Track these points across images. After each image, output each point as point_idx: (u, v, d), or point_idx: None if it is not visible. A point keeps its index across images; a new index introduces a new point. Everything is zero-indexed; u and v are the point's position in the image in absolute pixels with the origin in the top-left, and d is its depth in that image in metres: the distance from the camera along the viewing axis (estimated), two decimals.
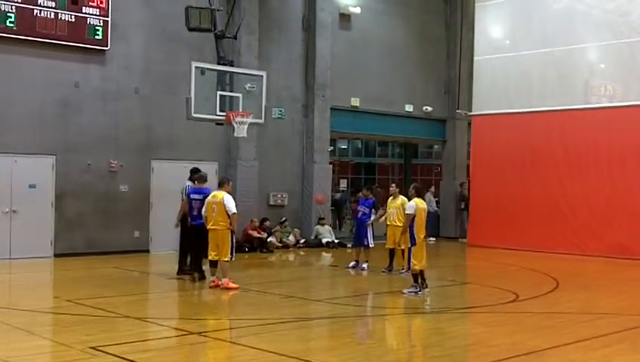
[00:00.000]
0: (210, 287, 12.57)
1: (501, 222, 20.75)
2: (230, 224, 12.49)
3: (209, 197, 12.81)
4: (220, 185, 12.96)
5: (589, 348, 8.66)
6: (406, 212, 12.42)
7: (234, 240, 12.72)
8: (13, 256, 16.07)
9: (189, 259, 13.78)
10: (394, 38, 23.68)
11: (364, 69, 22.75)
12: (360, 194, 16.30)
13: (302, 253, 19.59)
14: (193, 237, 13.42)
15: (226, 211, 12.42)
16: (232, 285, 12.41)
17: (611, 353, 8.42)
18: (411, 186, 12.95)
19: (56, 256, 16.64)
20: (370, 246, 15.57)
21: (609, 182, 18.94)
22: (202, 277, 13.33)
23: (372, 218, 15.52)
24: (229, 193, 12.73)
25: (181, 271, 13.84)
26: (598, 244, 18.77)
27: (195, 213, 13.28)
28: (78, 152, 17.12)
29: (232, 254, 12.57)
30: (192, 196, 13.42)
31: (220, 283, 12.49)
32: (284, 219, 20.34)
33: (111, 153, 17.58)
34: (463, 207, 24.01)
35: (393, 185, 15.88)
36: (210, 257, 12.66)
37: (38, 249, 16.39)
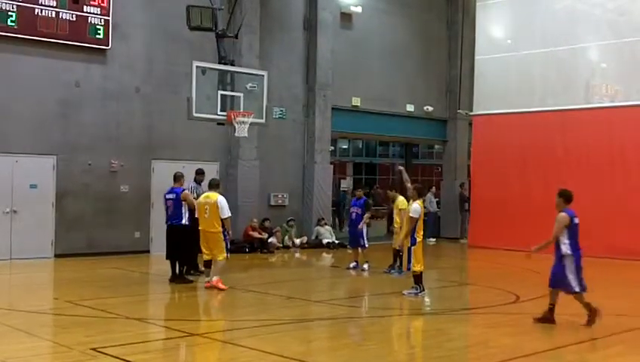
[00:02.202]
0: (206, 288, 12.53)
1: (502, 222, 20.72)
2: (223, 228, 12.44)
3: (201, 197, 12.81)
4: (214, 187, 12.84)
5: (590, 349, 8.68)
6: (410, 215, 12.18)
7: (227, 239, 12.64)
8: (13, 257, 16.07)
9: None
10: (395, 37, 23.67)
11: (366, 68, 22.74)
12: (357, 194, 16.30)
13: (302, 253, 19.58)
14: (169, 237, 13.44)
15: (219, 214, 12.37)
16: (221, 286, 12.34)
17: (611, 354, 8.44)
18: (412, 187, 12.86)
19: (56, 256, 16.65)
20: (366, 246, 15.59)
21: (610, 182, 18.92)
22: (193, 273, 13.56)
23: (362, 221, 15.50)
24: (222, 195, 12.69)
25: (187, 273, 13.80)
26: (598, 245, 18.68)
27: (169, 212, 13.36)
28: (78, 152, 17.11)
29: (227, 252, 12.54)
30: (166, 196, 13.48)
31: (210, 281, 12.44)
32: (290, 218, 20.37)
33: (112, 153, 17.57)
34: (465, 208, 23.98)
35: (393, 190, 15.84)
36: (204, 257, 12.65)
37: (38, 249, 16.40)
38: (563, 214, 9.56)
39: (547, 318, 9.74)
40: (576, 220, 9.52)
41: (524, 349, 8.50)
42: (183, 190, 13.36)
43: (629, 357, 8.38)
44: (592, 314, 9.55)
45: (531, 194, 20.22)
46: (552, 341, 8.91)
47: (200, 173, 14.53)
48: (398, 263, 14.80)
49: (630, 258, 17.73)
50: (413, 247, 12.05)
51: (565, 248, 9.44)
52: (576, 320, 10.40)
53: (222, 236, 12.45)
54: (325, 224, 20.96)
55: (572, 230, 9.45)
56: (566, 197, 9.72)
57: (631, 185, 18.65)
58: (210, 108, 15.08)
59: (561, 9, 20.78)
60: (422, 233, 12.21)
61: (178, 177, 13.57)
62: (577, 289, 9.60)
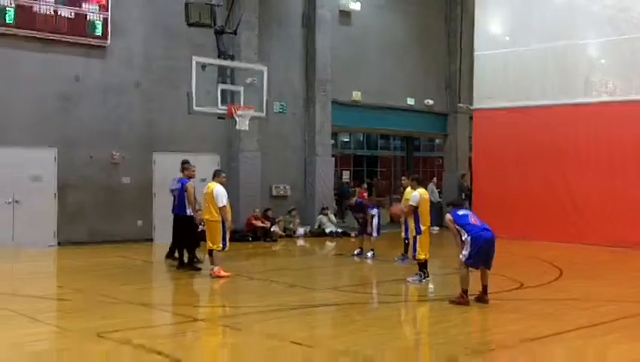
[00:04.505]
0: (210, 276, 12.56)
1: (503, 212, 20.64)
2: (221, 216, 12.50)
3: (205, 188, 12.91)
4: (213, 177, 12.92)
5: (591, 335, 8.69)
6: (410, 203, 12.41)
7: (226, 230, 12.64)
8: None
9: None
10: (394, 32, 23.70)
11: (366, 63, 22.75)
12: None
13: (306, 242, 19.61)
14: (174, 226, 13.67)
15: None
16: (222, 273, 12.41)
17: (613, 340, 8.46)
18: (410, 178, 13.35)
19: (59, 245, 16.65)
20: (374, 236, 15.65)
21: (609, 176, 18.97)
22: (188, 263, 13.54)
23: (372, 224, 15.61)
24: (222, 184, 12.72)
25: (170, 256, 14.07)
26: (597, 237, 18.80)
27: (175, 202, 13.64)
28: (79, 145, 17.11)
29: (224, 243, 12.56)
30: (173, 186, 13.78)
31: (212, 271, 12.51)
32: (292, 207, 20.41)
33: (113, 146, 17.57)
34: (464, 197, 24.02)
35: (404, 178, 15.72)
36: (207, 247, 12.71)
37: (41, 239, 16.37)
38: (446, 216, 10.70)
39: (478, 298, 10.45)
40: (461, 212, 10.65)
41: (527, 334, 8.52)
42: (188, 181, 13.44)
43: (630, 343, 8.39)
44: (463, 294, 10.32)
45: (531, 186, 20.36)
46: (555, 327, 8.93)
47: (185, 163, 14.45)
48: (403, 251, 14.87)
49: (628, 247, 17.76)
50: (418, 236, 12.17)
51: (464, 237, 10.37)
52: (578, 305, 10.50)
53: (220, 226, 12.50)
54: (328, 213, 20.98)
55: (460, 222, 10.43)
56: (453, 205, 11.17)
57: (629, 179, 18.71)
58: (210, 102, 15.06)
59: (560, 5, 20.77)
60: (428, 222, 12.31)
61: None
62: (466, 261, 10.36)
